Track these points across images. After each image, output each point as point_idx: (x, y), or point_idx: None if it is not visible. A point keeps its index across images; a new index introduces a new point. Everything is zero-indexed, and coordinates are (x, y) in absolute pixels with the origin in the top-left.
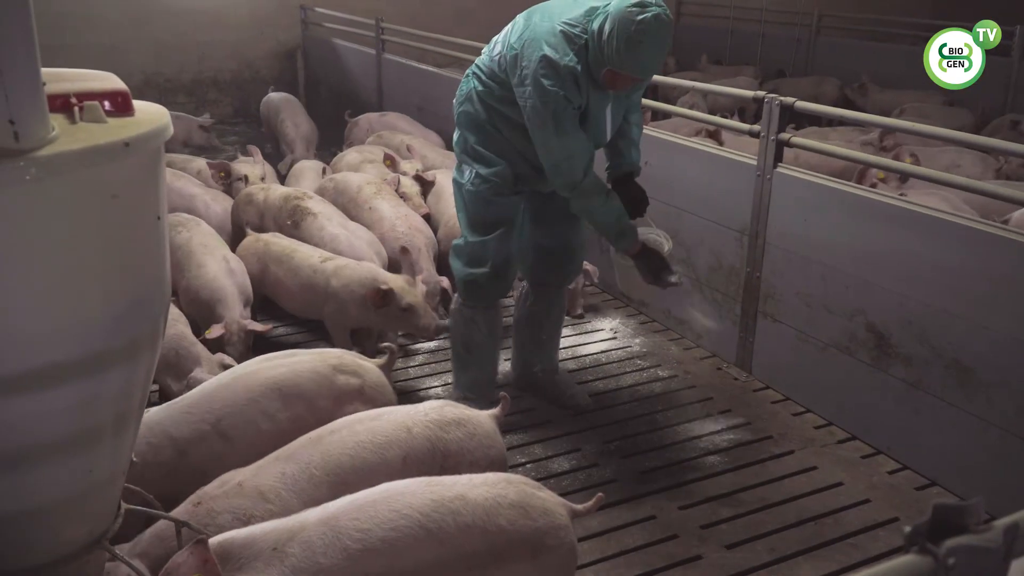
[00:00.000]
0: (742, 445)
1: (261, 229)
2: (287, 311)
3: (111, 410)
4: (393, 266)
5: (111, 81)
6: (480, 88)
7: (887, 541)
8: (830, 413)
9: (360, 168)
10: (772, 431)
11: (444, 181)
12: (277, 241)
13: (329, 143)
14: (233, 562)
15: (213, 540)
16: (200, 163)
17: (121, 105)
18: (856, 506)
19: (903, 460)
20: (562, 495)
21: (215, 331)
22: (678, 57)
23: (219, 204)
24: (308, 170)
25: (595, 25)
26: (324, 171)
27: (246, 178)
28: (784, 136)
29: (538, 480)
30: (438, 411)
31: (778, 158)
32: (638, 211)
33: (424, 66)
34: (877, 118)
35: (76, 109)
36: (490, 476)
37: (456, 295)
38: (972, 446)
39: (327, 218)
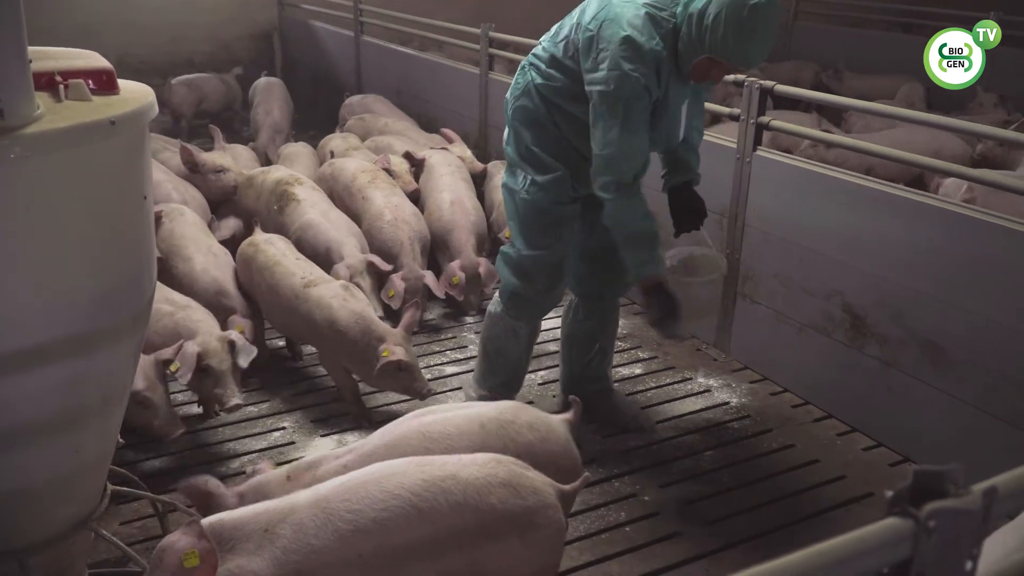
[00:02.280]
0: (721, 424)
1: (255, 212)
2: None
3: (98, 391)
4: (386, 258)
5: (95, 59)
6: (539, 80)
7: (862, 516)
8: (807, 392)
9: (346, 155)
10: (750, 411)
11: (434, 162)
12: (264, 249)
13: (306, 126)
14: (224, 544)
15: (204, 521)
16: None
17: (106, 83)
18: (832, 482)
19: (877, 437)
20: None
21: None
22: None
23: (179, 193)
24: (302, 155)
25: (694, 8)
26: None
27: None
28: (764, 119)
29: None
30: (512, 412)
31: (757, 141)
32: (691, 223)
33: (403, 48)
34: (855, 101)
35: (61, 87)
36: (479, 456)
37: (498, 301)
38: (944, 423)
39: (311, 204)
